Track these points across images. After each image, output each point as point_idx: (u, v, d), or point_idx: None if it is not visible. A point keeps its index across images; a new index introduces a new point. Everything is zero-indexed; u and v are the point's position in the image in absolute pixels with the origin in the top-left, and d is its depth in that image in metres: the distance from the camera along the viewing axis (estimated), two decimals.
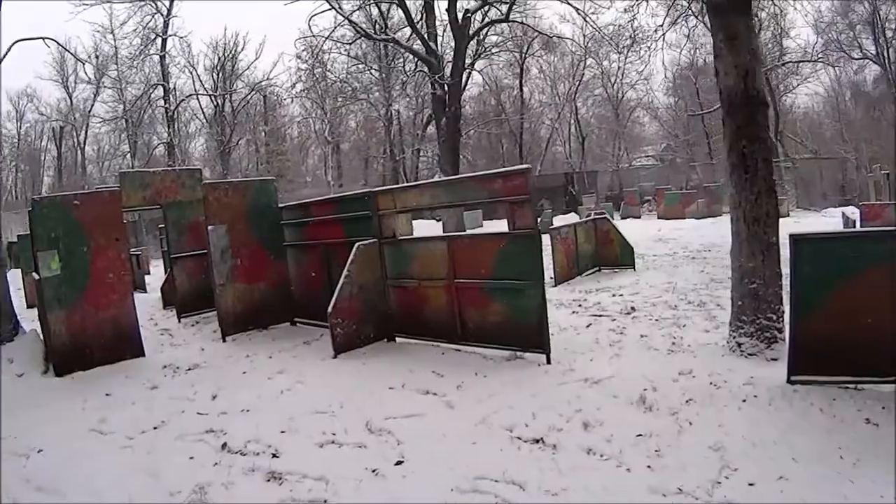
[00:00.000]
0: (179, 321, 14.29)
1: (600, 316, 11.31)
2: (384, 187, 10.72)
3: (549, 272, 14.84)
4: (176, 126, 50.86)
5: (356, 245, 10.15)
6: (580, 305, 12.48)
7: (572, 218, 36.90)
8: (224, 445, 6.55)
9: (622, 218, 38.07)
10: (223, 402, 8.00)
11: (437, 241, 9.97)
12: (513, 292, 8.79)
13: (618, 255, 17.11)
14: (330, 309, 9.79)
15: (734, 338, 8.41)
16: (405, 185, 10.31)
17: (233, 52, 54.20)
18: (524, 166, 8.66)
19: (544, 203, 45.90)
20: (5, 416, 7.67)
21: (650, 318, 10.87)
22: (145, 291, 20.91)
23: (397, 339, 10.47)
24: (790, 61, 37.69)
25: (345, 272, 10.01)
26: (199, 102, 55.55)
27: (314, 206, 12.16)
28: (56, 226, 10.06)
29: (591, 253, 17.11)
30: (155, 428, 7.27)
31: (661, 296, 12.83)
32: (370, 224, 10.44)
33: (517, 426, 6.44)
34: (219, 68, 53.99)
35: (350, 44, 34.13)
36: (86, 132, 55.76)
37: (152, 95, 50.05)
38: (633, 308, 11.70)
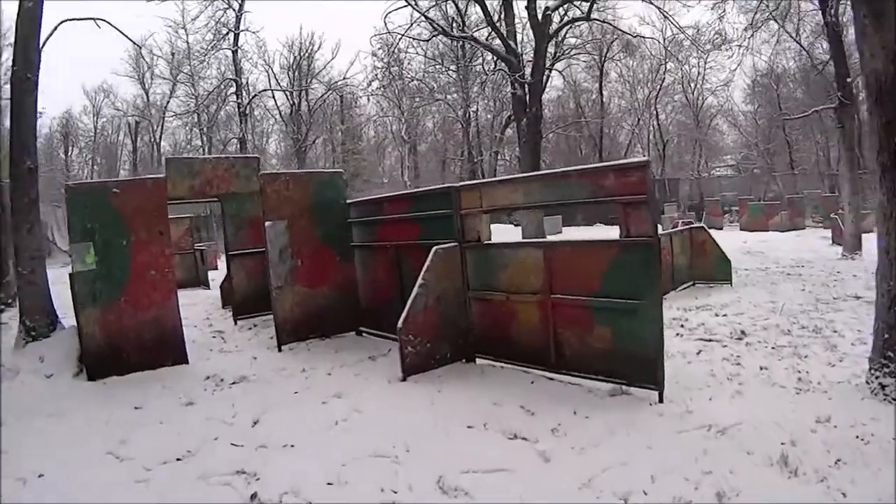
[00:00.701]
0: (236, 323, 13.03)
1: (709, 341, 9.56)
2: (469, 182, 9.16)
3: None
4: (249, 122, 49.79)
5: (434, 249, 8.64)
6: (682, 326, 10.76)
7: None
8: (254, 496, 5.11)
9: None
10: (264, 431, 6.60)
11: (530, 248, 8.31)
12: (622, 313, 7.13)
13: (713, 269, 15.27)
14: (400, 323, 8.31)
15: (876, 378, 6.70)
16: (494, 179, 8.68)
17: (308, 51, 53.39)
18: (643, 159, 6.98)
19: None
20: (23, 423, 7.02)
21: (765, 346, 9.16)
22: (208, 287, 19.81)
23: (477, 361, 8.93)
24: None
25: (420, 280, 8.52)
26: (275, 100, 54.80)
27: (387, 202, 10.70)
28: (92, 216, 8.95)
29: (686, 266, 15.30)
30: (179, 459, 6.01)
31: (768, 318, 11.05)
32: (451, 225, 8.92)
33: (633, 493, 4.86)
34: (294, 67, 53.11)
35: (427, 41, 32.75)
36: (161, 127, 55.63)
37: (227, 91, 49.28)
38: (743, 332, 9.95)
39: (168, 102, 54.11)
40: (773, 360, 8.41)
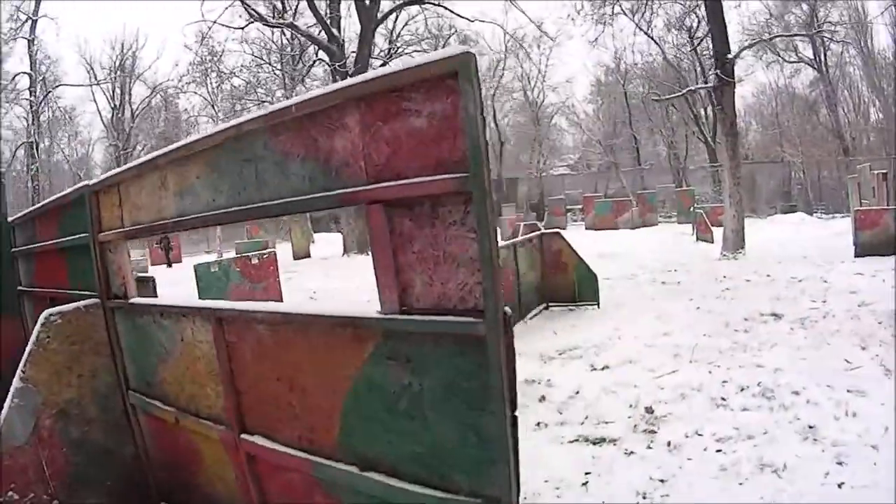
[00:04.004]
0: None
1: (599, 442, 5.10)
2: (108, 174, 4.18)
3: None
4: (38, 122, 41.47)
5: (45, 316, 4.05)
6: (544, 399, 6.31)
7: None
8: None
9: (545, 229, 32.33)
10: None
11: (197, 320, 3.47)
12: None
13: (574, 287, 11.13)
14: None
15: None
16: (139, 161, 3.67)
17: (132, 48, 46.17)
18: (457, 50, 2.08)
19: None
20: None
21: (701, 446, 4.91)
22: None
23: None
24: (750, 44, 31.65)
25: (16, 381, 3.90)
26: (97, 105, 46.93)
27: (39, 218, 5.74)
28: None
29: (536, 283, 11.11)
30: None
31: (674, 368, 6.91)
32: (91, 264, 4.26)
33: None
34: (117, 67, 46.04)
35: (242, 28, 27.66)
36: None
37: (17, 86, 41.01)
38: (649, 410, 5.68)
39: None
40: (730, 481, 4.34)
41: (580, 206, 36.65)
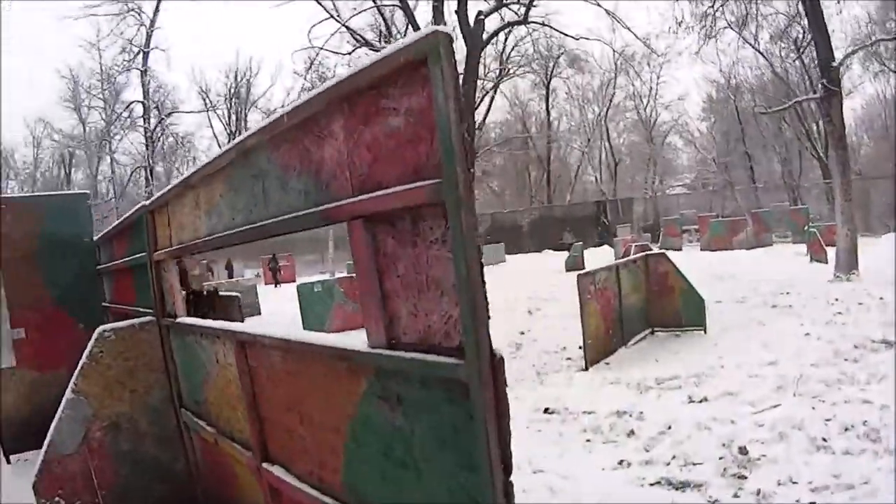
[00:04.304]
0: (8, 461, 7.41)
1: (683, 487, 4.67)
2: (160, 192, 4.04)
3: (575, 343, 9.31)
4: (153, 148, 42.46)
5: (98, 333, 4.17)
6: (632, 434, 5.90)
7: (605, 252, 30.41)
8: None
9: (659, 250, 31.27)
10: None
11: (226, 341, 3.29)
12: None
13: (680, 311, 10.51)
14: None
15: None
16: (178, 180, 3.48)
17: (245, 76, 47.92)
18: (428, 30, 1.67)
19: (567, 236, 39.42)
20: None
21: (792, 489, 4.44)
22: None
23: None
24: (869, 43, 29.51)
25: (68, 393, 4.01)
26: (213, 131, 48.92)
27: (115, 238, 5.90)
28: None
29: (641, 307, 10.56)
30: None
31: (777, 402, 6.32)
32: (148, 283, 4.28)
33: None
34: (232, 94, 47.75)
35: (348, 54, 27.97)
36: (98, 158, 48.80)
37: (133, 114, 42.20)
38: (743, 450, 5.14)
39: (107, 129, 47.02)
40: None
41: (695, 227, 35.50)
